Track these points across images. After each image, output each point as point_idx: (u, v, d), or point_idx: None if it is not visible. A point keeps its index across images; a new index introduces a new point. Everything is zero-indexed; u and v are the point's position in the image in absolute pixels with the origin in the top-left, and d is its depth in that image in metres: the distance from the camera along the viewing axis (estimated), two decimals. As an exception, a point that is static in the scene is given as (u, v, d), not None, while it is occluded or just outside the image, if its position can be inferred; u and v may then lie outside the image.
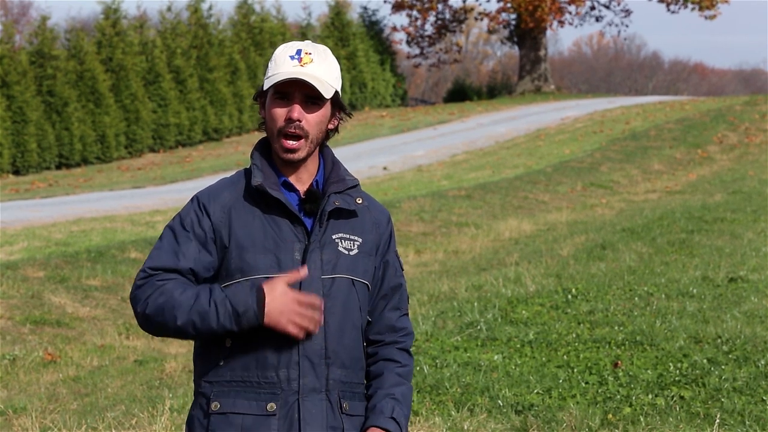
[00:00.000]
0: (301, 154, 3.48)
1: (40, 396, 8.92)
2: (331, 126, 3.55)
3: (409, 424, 6.67)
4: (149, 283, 3.44)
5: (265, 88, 3.49)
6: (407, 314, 3.68)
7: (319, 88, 3.45)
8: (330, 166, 3.58)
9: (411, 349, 3.68)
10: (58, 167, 32.36)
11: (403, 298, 3.65)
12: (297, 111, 3.46)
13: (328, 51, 3.54)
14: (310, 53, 3.49)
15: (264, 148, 3.57)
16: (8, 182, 29.12)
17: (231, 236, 3.48)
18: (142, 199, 21.83)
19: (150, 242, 14.96)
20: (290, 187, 3.53)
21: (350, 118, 3.64)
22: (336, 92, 3.51)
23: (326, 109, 3.51)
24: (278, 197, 3.46)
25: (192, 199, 3.55)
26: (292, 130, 3.46)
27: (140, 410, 7.51)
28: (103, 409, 8.07)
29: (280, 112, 3.48)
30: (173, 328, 3.40)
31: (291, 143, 3.47)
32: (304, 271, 3.38)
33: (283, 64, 3.48)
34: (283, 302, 3.37)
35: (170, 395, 7.93)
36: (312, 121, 3.48)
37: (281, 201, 3.47)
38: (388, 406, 3.52)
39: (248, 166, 3.58)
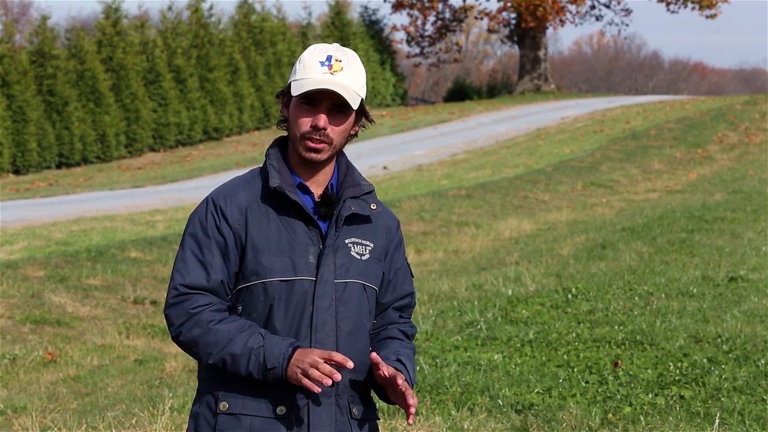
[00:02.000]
0: (323, 156, 3.46)
1: (40, 395, 8.91)
2: (352, 132, 3.53)
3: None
4: (182, 307, 3.44)
5: (294, 94, 3.43)
6: (410, 318, 3.71)
7: (347, 99, 3.41)
8: (344, 170, 3.56)
9: (414, 341, 3.68)
10: (59, 167, 32.36)
11: (410, 304, 3.67)
12: (323, 120, 3.42)
13: (357, 57, 3.50)
14: (340, 60, 3.45)
15: (280, 149, 3.54)
16: (8, 182, 29.12)
17: (247, 238, 3.46)
18: (142, 199, 21.83)
19: (150, 241, 14.96)
20: (305, 190, 3.50)
21: (372, 124, 3.61)
22: (361, 99, 3.48)
23: (351, 117, 3.49)
24: (296, 200, 3.44)
25: (207, 201, 3.51)
26: (318, 137, 3.43)
27: (140, 410, 7.51)
28: (103, 408, 8.07)
29: (305, 119, 3.44)
30: (204, 361, 3.43)
31: (315, 144, 3.44)
32: (350, 364, 3.32)
33: (312, 69, 3.43)
34: (302, 358, 3.33)
35: (170, 395, 7.92)
36: (337, 129, 3.45)
37: (298, 204, 3.44)
38: (393, 355, 3.49)
39: (261, 165, 3.55)
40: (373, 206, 3.55)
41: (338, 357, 3.32)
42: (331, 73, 3.42)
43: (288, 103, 3.50)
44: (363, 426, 3.52)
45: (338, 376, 3.32)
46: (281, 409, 3.42)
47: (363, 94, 3.48)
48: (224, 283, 3.45)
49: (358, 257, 3.50)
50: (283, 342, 3.37)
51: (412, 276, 3.67)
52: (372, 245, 3.53)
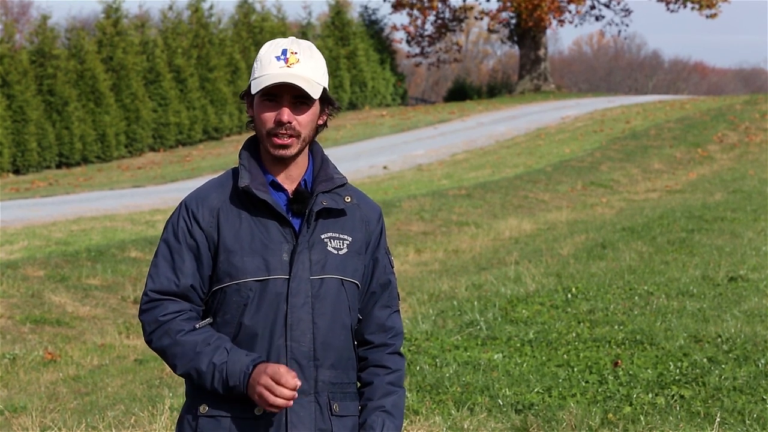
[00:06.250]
0: (293, 151, 3.46)
1: (40, 395, 8.91)
2: (320, 122, 3.53)
3: (409, 423, 6.67)
4: (152, 314, 3.46)
5: (253, 91, 3.45)
6: (398, 311, 3.65)
7: (307, 90, 3.42)
8: (319, 164, 3.55)
9: (402, 350, 3.65)
10: (59, 166, 32.37)
11: (392, 296, 3.62)
12: (286, 114, 3.43)
13: (314, 47, 3.50)
14: (295, 53, 3.45)
15: (252, 147, 3.55)
16: (8, 181, 29.12)
17: (219, 240, 3.45)
18: (142, 199, 21.84)
19: (150, 241, 14.96)
20: (278, 187, 3.50)
21: (339, 111, 3.60)
22: (324, 89, 3.48)
23: (316, 107, 3.48)
24: (265, 199, 3.43)
25: (180, 206, 3.52)
26: (283, 132, 3.43)
27: (140, 409, 7.51)
28: (103, 408, 8.07)
29: (268, 115, 3.45)
30: (175, 371, 3.47)
31: (282, 140, 3.44)
32: (297, 383, 3.32)
33: (269, 66, 3.44)
34: (257, 378, 3.34)
35: (170, 394, 7.92)
36: (303, 121, 3.45)
37: (268, 202, 3.44)
38: (378, 421, 3.51)
39: (237, 166, 3.55)
40: (347, 198, 3.53)
41: (287, 380, 3.30)
42: (288, 66, 3.43)
43: (252, 103, 3.50)
44: (345, 422, 3.50)
45: (290, 402, 3.31)
46: (259, 410, 3.42)
47: (324, 83, 3.48)
48: (195, 287, 3.46)
49: (335, 252, 3.49)
50: (245, 358, 3.37)
51: (392, 266, 3.65)
52: (350, 239, 3.52)
